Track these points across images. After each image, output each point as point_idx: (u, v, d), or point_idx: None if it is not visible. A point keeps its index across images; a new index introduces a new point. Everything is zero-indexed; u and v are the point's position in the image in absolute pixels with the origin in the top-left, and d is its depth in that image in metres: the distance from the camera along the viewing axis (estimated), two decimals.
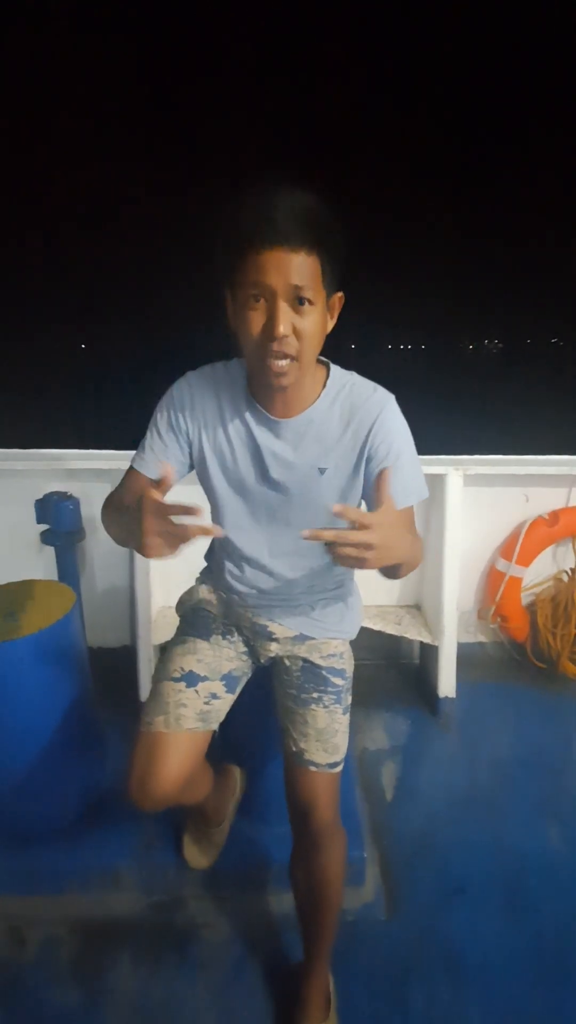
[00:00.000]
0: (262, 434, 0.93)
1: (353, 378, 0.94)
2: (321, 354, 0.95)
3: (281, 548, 1.00)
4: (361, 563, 0.67)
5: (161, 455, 0.96)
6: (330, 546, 0.67)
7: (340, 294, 0.86)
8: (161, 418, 0.97)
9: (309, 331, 0.80)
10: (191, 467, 1.00)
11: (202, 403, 0.95)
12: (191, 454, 0.98)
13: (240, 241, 0.77)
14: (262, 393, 0.91)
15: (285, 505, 0.95)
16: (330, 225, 0.78)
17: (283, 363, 0.80)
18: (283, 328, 0.78)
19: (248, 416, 0.93)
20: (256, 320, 0.79)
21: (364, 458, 0.91)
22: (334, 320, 0.88)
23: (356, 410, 0.90)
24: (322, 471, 0.92)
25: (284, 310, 0.78)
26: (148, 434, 0.98)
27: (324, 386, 0.92)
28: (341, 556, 0.66)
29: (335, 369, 0.94)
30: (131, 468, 0.99)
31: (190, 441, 0.96)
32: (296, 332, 0.79)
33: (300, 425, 0.91)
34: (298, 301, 0.78)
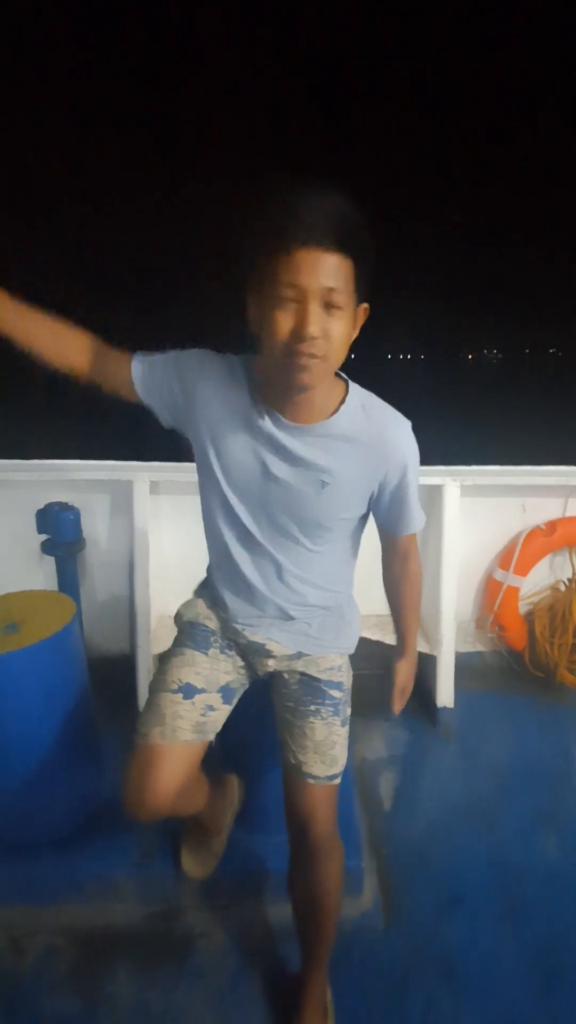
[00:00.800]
0: (275, 434, 0.89)
1: (372, 399, 0.93)
2: None
3: (279, 565, 0.99)
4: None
5: (158, 371, 0.93)
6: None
7: (366, 305, 0.84)
8: (177, 356, 0.94)
9: (337, 335, 0.78)
10: (167, 417, 0.96)
11: (215, 389, 0.91)
12: (178, 416, 0.95)
13: (273, 239, 0.74)
14: (276, 396, 0.88)
15: (283, 513, 0.94)
16: (365, 231, 0.76)
17: (311, 362, 0.78)
18: (314, 329, 0.75)
19: (260, 418, 0.89)
20: (284, 321, 0.76)
21: (376, 482, 0.93)
22: (357, 331, 0.85)
23: (376, 433, 0.90)
24: (324, 484, 0.91)
25: (316, 311, 0.75)
26: (160, 358, 0.95)
27: (343, 402, 0.90)
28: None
29: (353, 387, 0.92)
30: (129, 352, 0.96)
31: (179, 404, 0.93)
32: (325, 335, 0.77)
33: (316, 434, 0.89)
34: (328, 304, 0.76)
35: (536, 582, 2.07)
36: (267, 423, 0.90)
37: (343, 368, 0.93)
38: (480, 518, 1.97)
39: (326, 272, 0.74)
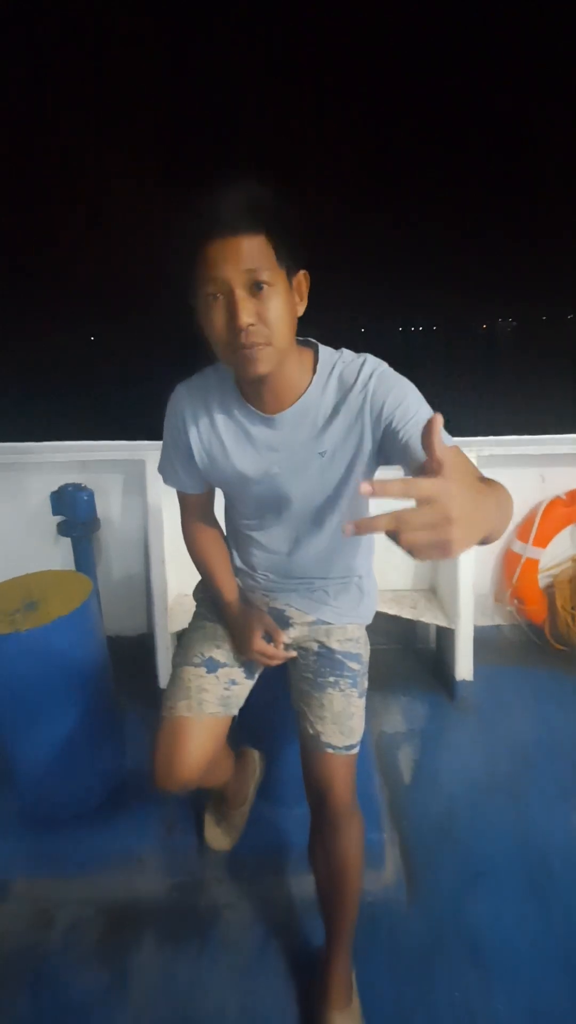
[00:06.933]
0: (257, 432, 0.91)
1: (342, 356, 0.90)
2: (329, 340, 0.94)
3: (295, 536, 1.00)
4: (445, 547, 0.45)
5: (190, 471, 0.99)
6: (397, 538, 0.46)
7: (304, 272, 0.83)
8: (169, 438, 0.99)
9: (275, 315, 0.77)
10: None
11: (194, 413, 0.94)
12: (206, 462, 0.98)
13: (188, 243, 0.76)
14: (251, 389, 0.89)
15: (293, 496, 0.94)
16: (272, 204, 0.76)
17: (253, 351, 0.78)
18: (246, 317, 0.75)
19: (241, 417, 0.92)
20: (218, 316, 0.77)
21: (372, 427, 0.86)
22: (304, 300, 0.84)
23: (348, 387, 0.87)
24: (323, 454, 0.89)
25: (243, 299, 0.75)
26: (168, 453, 1.01)
27: (314, 371, 0.89)
28: (415, 546, 0.45)
29: (323, 351, 0.91)
30: (178, 491, 1.04)
31: (194, 451, 0.96)
32: (261, 318, 0.77)
33: (294, 417, 0.89)
34: (256, 286, 0.76)
35: (556, 554, 2.03)
36: (247, 421, 0.91)
37: (350, 343, 0.92)
38: None
39: (241, 256, 0.74)
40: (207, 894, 1.24)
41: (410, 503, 0.46)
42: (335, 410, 0.88)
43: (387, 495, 0.45)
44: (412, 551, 0.45)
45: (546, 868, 1.27)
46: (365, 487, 0.44)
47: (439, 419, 0.50)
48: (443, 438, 0.80)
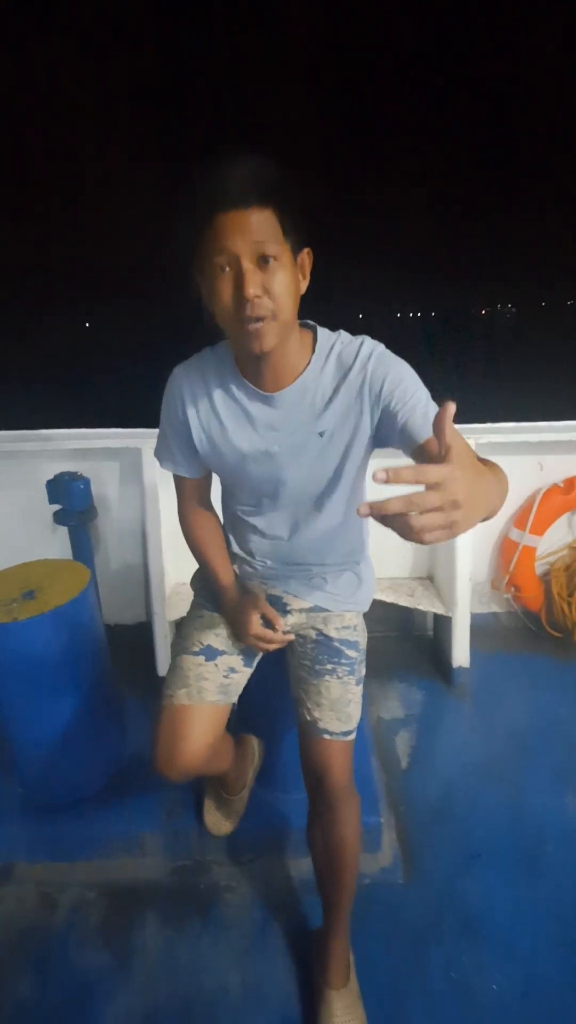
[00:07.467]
0: (257, 411, 0.91)
1: (340, 337, 0.91)
2: (326, 326, 0.94)
3: (293, 520, 1.00)
4: (451, 529, 0.47)
5: (187, 454, 0.99)
6: (398, 522, 0.47)
7: (308, 249, 0.84)
8: (167, 422, 0.98)
9: (280, 288, 0.78)
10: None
11: (193, 394, 0.94)
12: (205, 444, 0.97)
13: (196, 214, 0.77)
14: (250, 367, 0.90)
15: (291, 477, 0.94)
16: (280, 180, 0.77)
17: (259, 324, 0.79)
18: (252, 288, 0.76)
19: (240, 395, 0.92)
20: (225, 288, 0.78)
21: (371, 407, 0.87)
22: (307, 279, 0.85)
23: (347, 367, 0.88)
24: (322, 434, 0.90)
25: (251, 271, 0.77)
26: (165, 436, 1.00)
27: (313, 351, 0.90)
28: (422, 530, 0.46)
29: (322, 332, 0.92)
30: (175, 475, 1.04)
31: (192, 432, 0.96)
32: (267, 291, 0.78)
33: (293, 395, 0.90)
34: (263, 260, 0.77)
35: (553, 541, 2.04)
36: (247, 399, 0.91)
37: (347, 329, 0.92)
38: None
39: (250, 228, 0.75)
40: (207, 877, 1.26)
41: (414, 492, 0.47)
42: (335, 390, 0.89)
43: (400, 481, 0.46)
44: (420, 534, 0.47)
45: (541, 850, 1.29)
46: (379, 475, 0.45)
47: (452, 407, 0.51)
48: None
